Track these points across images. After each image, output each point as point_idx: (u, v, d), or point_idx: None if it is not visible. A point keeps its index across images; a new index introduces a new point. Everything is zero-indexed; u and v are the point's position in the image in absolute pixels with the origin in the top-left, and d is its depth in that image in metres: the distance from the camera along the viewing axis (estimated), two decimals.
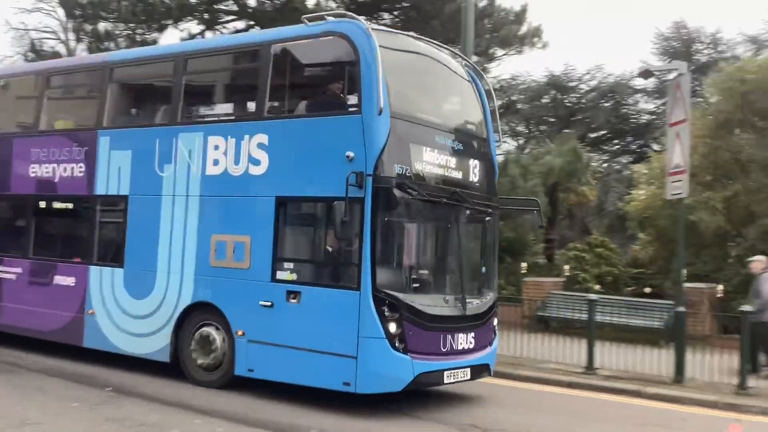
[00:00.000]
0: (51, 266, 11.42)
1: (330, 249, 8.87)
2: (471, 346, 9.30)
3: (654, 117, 32.67)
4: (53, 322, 11.13)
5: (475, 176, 9.69)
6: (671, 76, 12.65)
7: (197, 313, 9.76)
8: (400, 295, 8.49)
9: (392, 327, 8.33)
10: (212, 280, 9.62)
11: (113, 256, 10.86)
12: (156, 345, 10.09)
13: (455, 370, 9.04)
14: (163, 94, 10.80)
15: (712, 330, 15.55)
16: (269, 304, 9.02)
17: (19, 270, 11.72)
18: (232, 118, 10.28)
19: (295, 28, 9.56)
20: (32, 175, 11.70)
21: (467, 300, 9.20)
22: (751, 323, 11.42)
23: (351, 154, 8.43)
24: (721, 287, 15.70)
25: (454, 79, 10.04)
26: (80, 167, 11.14)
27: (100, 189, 10.94)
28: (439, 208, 9.06)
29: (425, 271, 9.43)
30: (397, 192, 8.35)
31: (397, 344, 8.34)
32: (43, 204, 11.75)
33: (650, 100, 33.32)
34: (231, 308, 9.40)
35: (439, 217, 9.38)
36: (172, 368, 9.95)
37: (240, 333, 9.25)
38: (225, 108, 10.64)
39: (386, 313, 8.30)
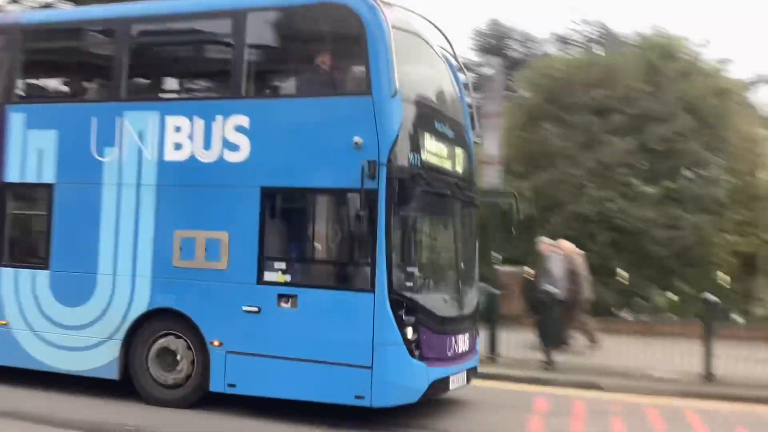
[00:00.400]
0: None
1: (335, 246, 7.91)
2: (466, 348, 8.73)
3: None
4: None
5: (462, 167, 9.10)
6: (487, 71, 13.78)
7: (155, 321, 8.38)
8: (416, 297, 7.73)
9: (409, 332, 7.54)
10: (176, 282, 8.29)
11: (32, 256, 9.14)
12: (99, 360, 8.57)
13: (457, 375, 8.43)
14: (98, 65, 9.18)
15: (522, 310, 16.16)
16: (255, 309, 7.89)
17: None
18: (200, 96, 8.93)
19: None
20: None
21: (464, 298, 8.64)
22: (546, 301, 11.91)
23: (359, 140, 7.52)
24: (529, 270, 16.36)
25: (437, 59, 9.35)
26: None
27: (12, 175, 9.12)
28: (443, 202, 8.41)
29: (432, 269, 8.72)
30: (413, 183, 7.58)
31: (414, 350, 7.58)
32: None
33: (467, 95, 34.67)
34: (203, 315, 8.13)
35: (443, 211, 8.71)
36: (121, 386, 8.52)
37: (216, 343, 8.03)
38: (186, 84, 9.23)
39: (403, 317, 7.51)
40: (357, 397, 7.47)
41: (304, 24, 8.42)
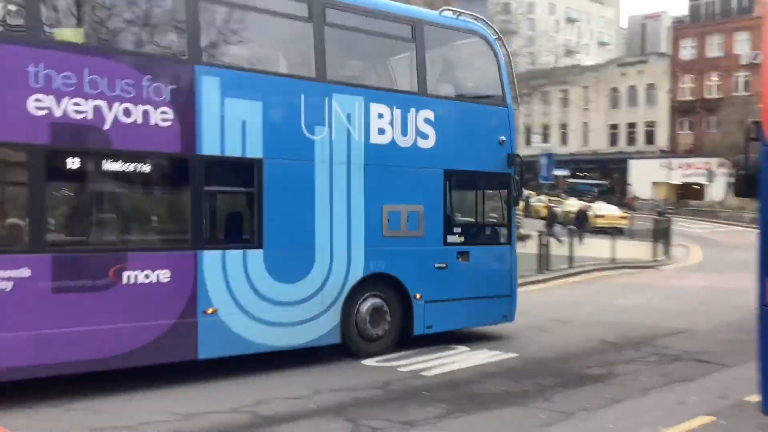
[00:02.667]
0: (108, 260, 7.53)
1: (488, 214, 10.74)
2: None
3: None
4: (127, 341, 7.60)
5: None
6: None
7: (364, 285, 9.44)
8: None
9: None
10: (385, 250, 9.57)
11: (240, 235, 8.44)
12: (322, 329, 9.04)
13: None
14: (292, 38, 8.86)
15: None
16: (444, 265, 10.14)
17: (20, 273, 7.03)
18: (398, 89, 9.73)
19: (441, 16, 10.33)
20: (38, 112, 7.12)
21: None
22: None
23: (503, 138, 10.78)
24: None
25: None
26: (163, 113, 7.82)
27: (209, 148, 8.14)
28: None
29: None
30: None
31: None
32: (74, 163, 7.34)
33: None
34: (408, 275, 9.77)
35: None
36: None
37: (418, 296, 9.87)
38: (378, 75, 9.64)
39: None
40: (504, 316, 10.87)
41: (457, 43, 10.59)
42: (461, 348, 10.08)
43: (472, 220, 10.98)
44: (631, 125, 61.95)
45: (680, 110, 58.69)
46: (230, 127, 8.26)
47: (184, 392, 7.65)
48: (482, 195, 10.93)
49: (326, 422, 6.74)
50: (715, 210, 50.82)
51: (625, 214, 38.06)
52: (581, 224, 29.59)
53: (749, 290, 6.09)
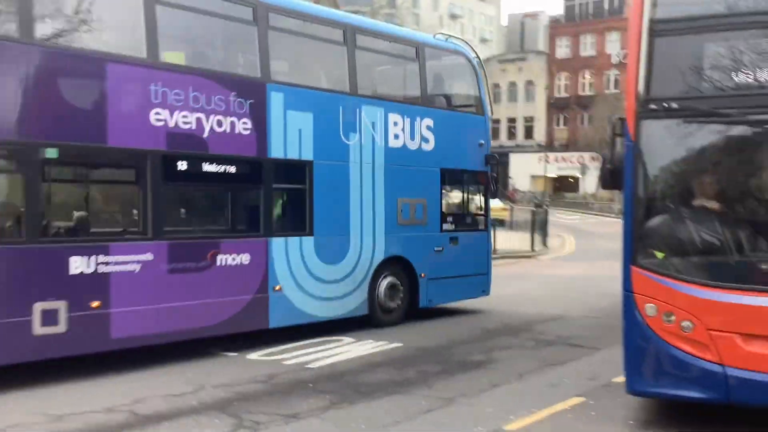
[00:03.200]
0: (208, 245, 9.09)
1: (471, 205, 12.82)
2: None
3: None
4: (219, 313, 9.21)
5: None
6: None
7: (384, 266, 11.31)
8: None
9: None
10: (400, 236, 11.48)
11: (297, 224, 10.12)
12: (354, 303, 10.86)
13: None
14: (330, 59, 10.54)
15: None
16: (441, 249, 12.17)
17: (146, 257, 8.50)
18: (405, 100, 11.57)
19: (435, 39, 12.30)
20: (157, 123, 8.60)
21: None
22: None
23: (482, 141, 12.92)
24: None
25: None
26: (245, 123, 9.42)
27: (276, 152, 9.78)
28: None
29: None
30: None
31: None
32: (182, 165, 8.81)
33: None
34: (415, 257, 11.73)
35: None
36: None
37: (423, 275, 11.85)
38: (391, 89, 11.36)
39: None
40: (483, 291, 13.03)
41: (444, 61, 12.55)
42: (347, 339, 10.22)
43: (459, 210, 13.04)
44: (512, 120, 65.92)
45: (557, 106, 63.30)
46: (290, 134, 9.92)
47: (57, 392, 7.40)
48: (466, 189, 13.01)
49: (208, 419, 6.63)
50: (588, 202, 54.54)
51: (506, 207, 40.65)
52: None
53: (617, 277, 6.46)
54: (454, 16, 79.40)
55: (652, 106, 6.16)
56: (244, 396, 7.37)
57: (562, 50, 64.39)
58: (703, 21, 6.33)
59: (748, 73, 6.05)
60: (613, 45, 59.94)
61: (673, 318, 6.07)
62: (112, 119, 8.13)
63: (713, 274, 6.15)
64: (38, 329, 7.56)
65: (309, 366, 8.69)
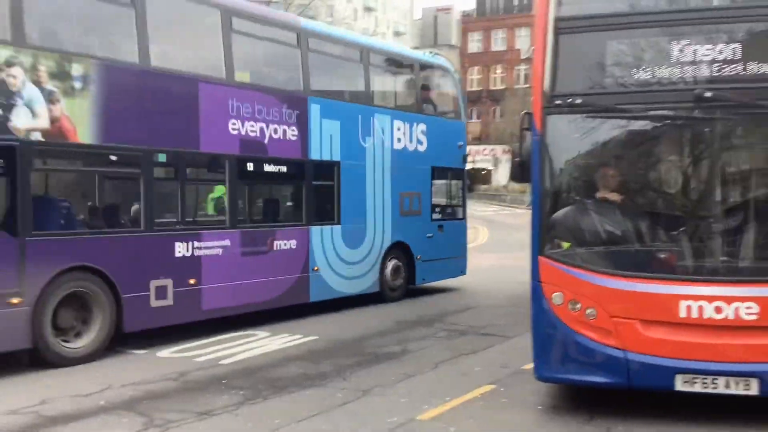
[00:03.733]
0: (268, 233, 10.96)
1: (452, 196, 15.01)
2: None
3: None
4: (275, 289, 11.10)
5: None
6: None
7: (389, 250, 13.38)
8: None
9: None
10: (401, 225, 13.56)
11: (329, 215, 12.04)
12: (368, 282, 12.91)
13: None
14: (350, 74, 12.53)
15: None
16: (431, 235, 14.34)
17: (225, 243, 10.29)
18: (405, 108, 13.59)
19: (425, 55, 14.38)
20: (233, 132, 10.38)
21: None
22: None
23: (461, 143, 15.15)
24: None
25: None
26: (293, 131, 11.29)
27: (314, 154, 11.67)
28: None
29: None
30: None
31: None
32: (250, 166, 10.62)
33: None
34: (413, 242, 13.85)
35: None
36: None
37: (418, 257, 13.98)
38: (394, 99, 13.33)
39: None
40: (461, 271, 15.28)
41: (429, 75, 14.66)
42: (262, 334, 10.17)
43: (443, 201, 15.22)
44: None
45: (469, 100, 66.03)
46: (324, 139, 11.82)
47: None
48: (449, 184, 15.20)
49: (117, 418, 6.47)
50: (501, 194, 56.27)
51: None
52: None
53: (528, 267, 6.51)
54: (368, 9, 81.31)
55: (558, 102, 6.28)
56: (154, 394, 7.24)
57: (474, 45, 67.51)
58: (606, 19, 6.47)
59: (648, 70, 6.19)
60: (523, 40, 63.15)
61: (578, 306, 6.18)
62: (203, 129, 9.87)
63: (615, 263, 6.31)
64: (153, 302, 9.26)
65: (222, 362, 8.58)
